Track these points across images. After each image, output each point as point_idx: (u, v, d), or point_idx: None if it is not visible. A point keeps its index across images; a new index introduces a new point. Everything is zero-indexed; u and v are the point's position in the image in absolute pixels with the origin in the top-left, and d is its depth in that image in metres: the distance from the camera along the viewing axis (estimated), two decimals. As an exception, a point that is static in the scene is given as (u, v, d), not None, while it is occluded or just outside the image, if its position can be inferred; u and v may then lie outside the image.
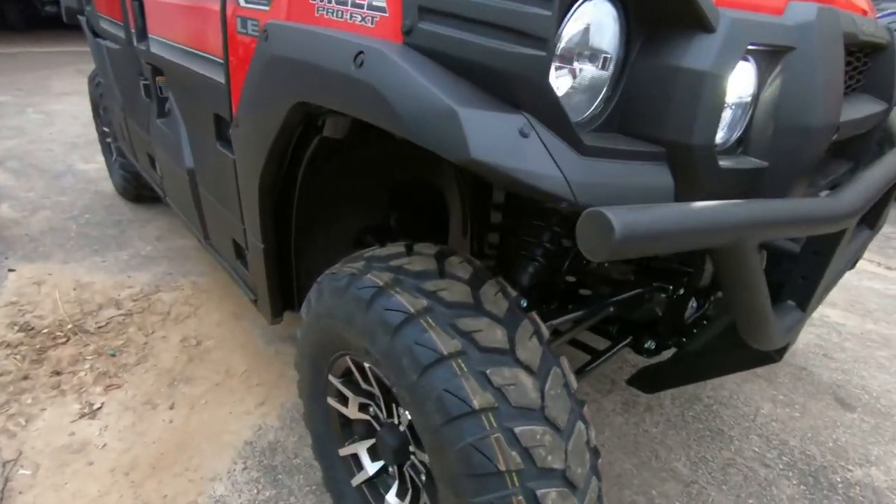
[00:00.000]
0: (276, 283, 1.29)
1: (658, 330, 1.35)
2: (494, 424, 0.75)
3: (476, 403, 0.75)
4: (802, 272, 0.91)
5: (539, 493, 0.75)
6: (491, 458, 0.74)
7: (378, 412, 1.09)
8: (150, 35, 1.60)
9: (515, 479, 0.74)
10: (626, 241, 0.52)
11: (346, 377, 1.11)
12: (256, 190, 1.13)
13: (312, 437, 1.27)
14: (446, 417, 0.76)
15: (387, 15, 0.71)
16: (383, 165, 1.27)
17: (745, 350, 0.99)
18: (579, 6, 0.63)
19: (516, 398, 0.77)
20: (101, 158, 3.56)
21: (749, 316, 0.78)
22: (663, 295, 1.29)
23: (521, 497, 0.74)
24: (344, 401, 1.14)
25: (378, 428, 1.10)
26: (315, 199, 1.21)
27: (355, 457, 1.18)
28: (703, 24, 0.69)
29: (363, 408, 1.13)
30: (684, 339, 1.34)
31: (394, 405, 1.02)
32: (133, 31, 1.74)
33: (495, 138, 0.62)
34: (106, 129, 3.07)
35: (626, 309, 1.29)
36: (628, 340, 1.38)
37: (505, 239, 1.29)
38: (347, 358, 1.04)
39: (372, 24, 0.73)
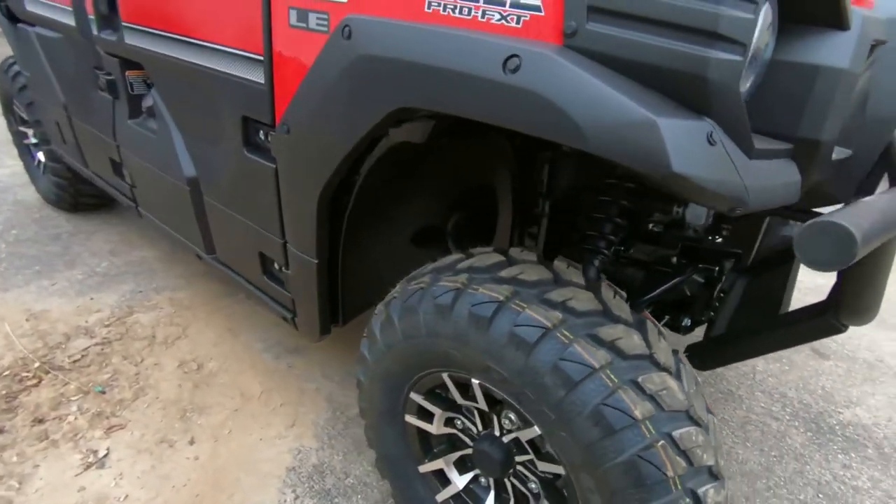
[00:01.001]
0: (326, 298, 1.19)
1: (692, 308, 1.41)
2: (655, 432, 0.75)
3: (638, 413, 0.74)
4: None
5: (700, 491, 0.76)
6: (659, 466, 0.74)
7: (471, 425, 1.05)
8: (124, 23, 1.37)
9: (679, 482, 0.75)
10: (863, 247, 0.53)
11: (431, 393, 1.06)
12: (316, 201, 1.02)
13: (381, 457, 1.20)
14: (607, 431, 0.74)
15: (542, 14, 0.65)
16: (446, 168, 1.20)
17: (819, 321, 1.05)
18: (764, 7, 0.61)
19: (670, 403, 0.77)
20: (12, 162, 3.09)
21: (874, 297, 0.82)
22: (702, 276, 1.34)
23: (687, 499, 0.75)
24: (427, 417, 1.09)
25: (469, 441, 1.06)
26: (369, 206, 1.12)
27: (439, 472, 1.13)
28: (842, 23, 0.70)
29: (449, 422, 1.09)
30: (712, 314, 1.42)
31: (496, 417, 0.99)
32: (92, 17, 1.49)
33: (690, 149, 0.59)
34: (24, 128, 2.65)
35: (667, 291, 1.33)
36: (666, 320, 1.43)
37: (563, 236, 1.27)
38: (444, 375, 0.98)
39: (518, 23, 0.67)
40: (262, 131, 1.12)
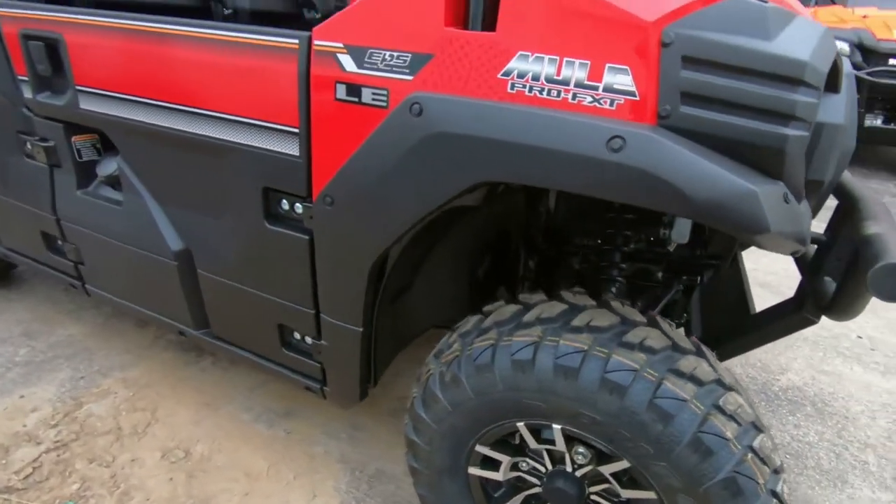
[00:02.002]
0: (366, 363, 1.16)
1: (671, 313, 1.59)
2: (742, 447, 0.85)
3: (729, 434, 0.84)
4: None
5: (777, 489, 0.88)
6: (752, 476, 0.84)
7: (539, 466, 1.09)
8: (78, 87, 1.21)
9: (764, 487, 0.86)
10: None
11: (498, 443, 1.08)
12: (367, 271, 1.00)
13: None
14: (706, 455, 0.83)
15: (636, 99, 0.71)
16: (484, 222, 1.23)
17: (793, 317, 1.24)
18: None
19: (745, 417, 0.88)
20: None
21: (860, 299, 1.00)
22: (682, 285, 1.52)
23: (774, 500, 0.86)
24: (491, 466, 1.11)
25: (537, 480, 1.10)
26: (409, 266, 1.11)
27: (505, 516, 1.16)
28: (838, 88, 0.87)
29: (513, 466, 1.12)
30: (686, 316, 1.61)
31: (567, 455, 1.04)
32: (23, 78, 1.29)
33: (777, 210, 0.70)
34: None
35: (667, 304, 1.49)
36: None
37: (578, 272, 1.37)
38: (520, 424, 1.01)
39: (612, 106, 0.73)
40: (290, 203, 1.06)
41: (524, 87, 0.77)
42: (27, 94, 1.32)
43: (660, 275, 1.47)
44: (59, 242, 1.56)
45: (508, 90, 0.78)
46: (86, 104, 1.23)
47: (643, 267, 1.44)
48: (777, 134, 0.70)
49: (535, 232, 1.40)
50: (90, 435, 1.62)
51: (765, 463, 0.87)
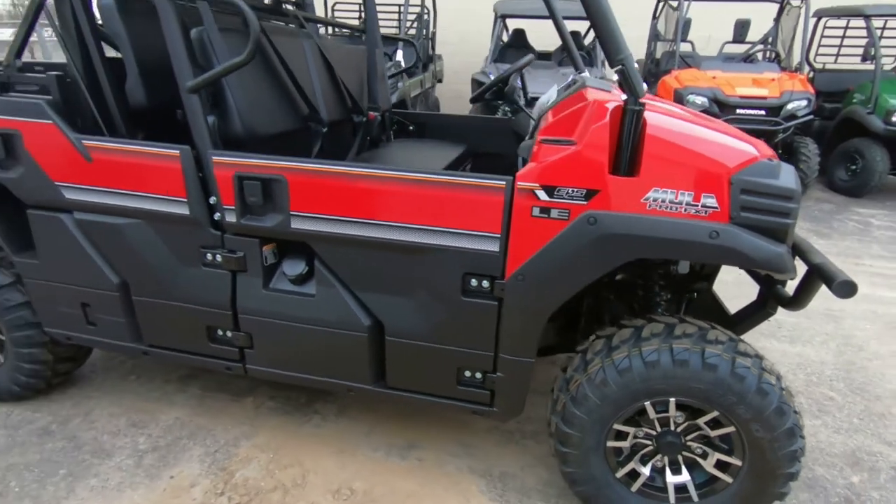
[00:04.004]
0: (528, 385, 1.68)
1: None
2: (780, 388, 1.52)
3: (774, 382, 1.51)
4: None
5: (795, 408, 1.56)
6: (789, 404, 1.51)
7: (651, 430, 1.67)
8: (293, 212, 1.61)
9: (793, 409, 1.53)
10: None
11: (627, 420, 1.66)
12: (545, 320, 1.54)
13: (586, 482, 1.72)
14: (764, 395, 1.48)
15: (719, 210, 1.37)
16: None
17: (759, 313, 1.98)
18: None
19: (776, 372, 1.56)
20: None
21: (810, 298, 1.73)
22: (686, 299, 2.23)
23: (796, 414, 1.54)
24: (621, 437, 1.68)
25: (651, 443, 1.69)
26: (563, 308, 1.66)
27: (632, 471, 1.72)
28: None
29: (632, 436, 1.69)
30: None
31: (671, 420, 1.64)
32: (229, 207, 1.66)
33: (787, 258, 1.39)
34: None
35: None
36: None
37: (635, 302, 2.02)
38: (647, 403, 1.59)
39: (706, 213, 1.37)
40: (480, 281, 1.57)
41: (657, 206, 1.40)
42: (230, 218, 1.67)
43: (669, 296, 2.17)
44: (227, 333, 1.86)
45: (647, 208, 1.40)
46: (297, 224, 1.63)
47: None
48: (785, 222, 1.40)
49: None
50: (260, 493, 1.90)
51: (789, 394, 1.56)
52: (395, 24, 7.38)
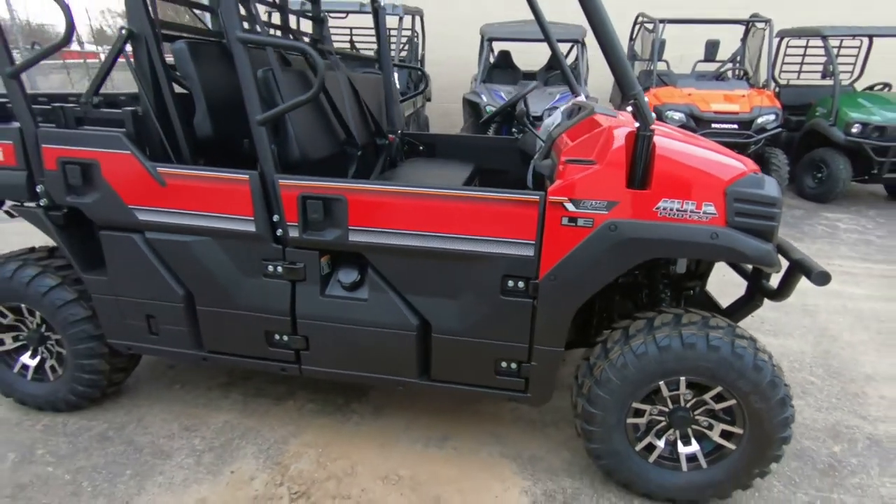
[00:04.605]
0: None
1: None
2: (771, 364, 1.80)
3: (766, 359, 1.79)
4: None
5: (786, 381, 1.84)
6: (780, 377, 1.78)
7: (663, 407, 1.93)
8: (351, 227, 1.85)
9: (784, 381, 1.81)
10: None
11: (644, 399, 1.91)
12: (573, 312, 1.80)
13: (608, 456, 1.96)
14: (760, 370, 1.76)
15: (717, 216, 1.65)
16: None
17: (748, 305, 2.27)
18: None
19: (768, 350, 1.84)
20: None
21: (792, 288, 2.03)
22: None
23: (787, 385, 1.81)
24: (639, 415, 1.94)
25: (664, 419, 1.94)
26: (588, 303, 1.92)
27: (649, 445, 1.98)
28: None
29: (648, 413, 1.95)
30: None
31: (681, 397, 1.90)
32: (292, 224, 1.88)
33: (774, 255, 1.68)
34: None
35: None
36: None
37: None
38: (661, 382, 1.86)
39: (707, 219, 1.65)
40: (516, 282, 1.82)
41: (666, 214, 1.68)
42: (293, 233, 1.90)
43: (669, 293, 2.46)
44: (283, 337, 2.07)
45: (658, 215, 1.68)
46: (355, 237, 1.86)
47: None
48: (771, 225, 1.69)
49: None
50: (315, 483, 2.09)
51: (779, 368, 1.84)
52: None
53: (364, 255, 1.93)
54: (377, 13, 3.29)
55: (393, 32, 7.69)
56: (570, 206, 1.71)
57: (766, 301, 2.09)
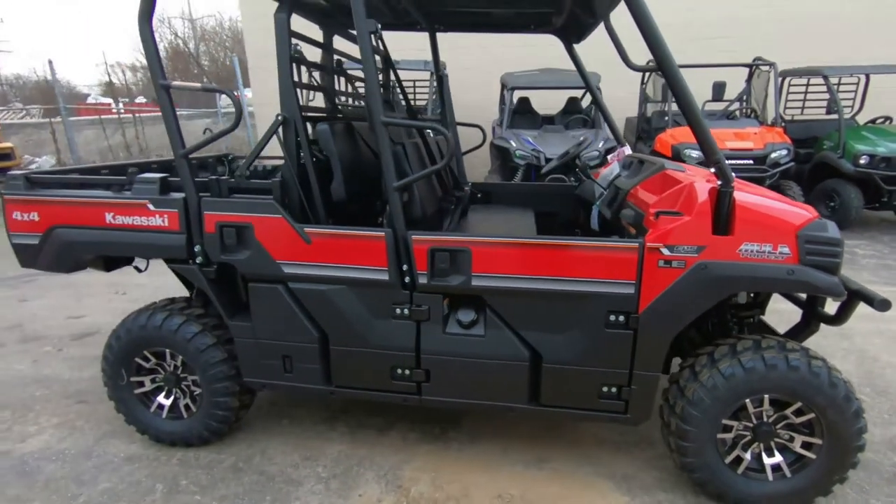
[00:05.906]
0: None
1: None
2: (843, 380, 2.08)
3: (839, 375, 2.07)
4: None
5: (853, 395, 2.11)
6: (852, 391, 2.07)
7: (748, 422, 2.20)
8: (475, 274, 2.17)
9: (853, 394, 2.09)
10: None
11: (732, 415, 2.18)
12: (671, 340, 2.10)
13: (700, 469, 2.22)
14: (835, 386, 2.04)
15: (790, 255, 1.98)
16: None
17: (805, 331, 2.56)
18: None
19: (837, 367, 2.12)
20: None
21: (850, 314, 2.33)
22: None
23: (857, 403, 2.09)
24: (727, 430, 2.20)
25: (749, 433, 2.21)
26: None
27: (736, 458, 2.23)
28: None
29: (735, 428, 2.22)
30: None
31: (763, 413, 2.17)
32: (421, 272, 2.21)
33: (840, 286, 1.99)
34: (137, 378, 2.66)
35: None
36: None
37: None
38: (747, 400, 2.13)
39: (782, 258, 1.98)
40: (620, 317, 2.13)
41: (748, 255, 2.00)
42: (422, 280, 2.22)
43: (735, 320, 2.75)
44: (406, 371, 2.36)
45: (741, 256, 2.01)
46: (476, 282, 2.18)
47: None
48: (836, 262, 2.01)
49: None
50: (437, 502, 2.34)
51: (852, 385, 2.12)
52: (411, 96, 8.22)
53: (483, 297, 2.24)
54: (441, 81, 3.73)
55: (424, 85, 8.24)
56: (665, 251, 2.04)
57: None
